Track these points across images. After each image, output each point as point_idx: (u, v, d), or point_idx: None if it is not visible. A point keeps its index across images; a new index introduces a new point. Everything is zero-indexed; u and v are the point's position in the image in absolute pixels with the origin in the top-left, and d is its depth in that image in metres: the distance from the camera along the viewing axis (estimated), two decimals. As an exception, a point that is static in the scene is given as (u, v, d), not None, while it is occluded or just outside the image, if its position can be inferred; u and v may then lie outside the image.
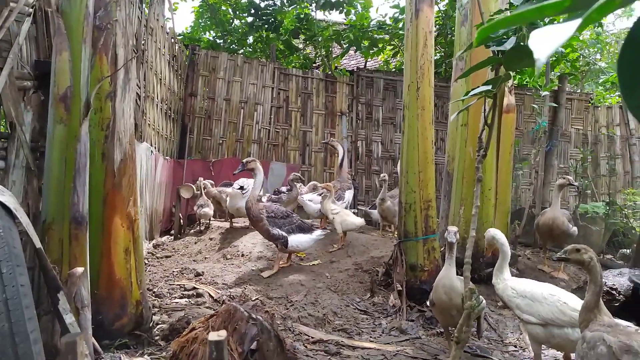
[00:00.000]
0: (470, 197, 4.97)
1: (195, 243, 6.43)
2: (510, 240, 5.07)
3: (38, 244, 1.97)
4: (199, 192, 7.11)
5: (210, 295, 4.31)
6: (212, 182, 7.81)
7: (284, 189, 7.21)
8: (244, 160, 4.92)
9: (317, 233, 5.10)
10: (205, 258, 5.68)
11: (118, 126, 3.05)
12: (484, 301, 3.29)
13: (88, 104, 2.51)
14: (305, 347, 3.37)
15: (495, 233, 3.43)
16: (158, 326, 3.46)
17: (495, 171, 5.02)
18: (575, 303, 2.88)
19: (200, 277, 4.86)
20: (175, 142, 9.35)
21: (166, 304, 4.11)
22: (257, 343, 2.41)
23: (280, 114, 10.23)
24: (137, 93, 6.14)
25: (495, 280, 3.27)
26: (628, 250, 6.91)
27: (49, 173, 2.43)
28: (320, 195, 7.30)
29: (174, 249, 6.36)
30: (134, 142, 3.29)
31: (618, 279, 4.53)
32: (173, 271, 5.14)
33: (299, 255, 5.51)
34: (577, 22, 0.58)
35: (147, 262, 5.73)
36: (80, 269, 2.44)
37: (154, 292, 4.39)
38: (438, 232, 4.60)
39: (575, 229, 5.30)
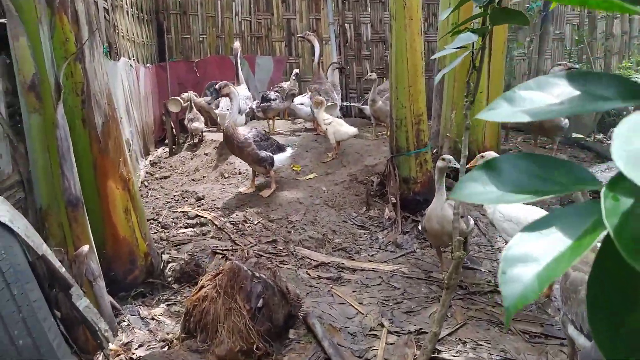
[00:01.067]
0: (461, 100, 4.90)
1: (192, 159, 6.49)
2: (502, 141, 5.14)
3: (40, 251, 2.03)
4: (187, 103, 6.97)
5: (214, 223, 4.49)
6: (195, 94, 7.60)
7: (272, 94, 7.06)
8: (217, 86, 4.75)
9: (290, 151, 5.19)
10: (204, 177, 5.79)
11: (93, 88, 2.91)
12: (473, 223, 3.45)
13: (59, 87, 2.38)
14: (309, 274, 3.63)
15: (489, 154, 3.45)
16: (169, 265, 3.68)
17: (487, 72, 4.88)
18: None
19: (202, 201, 5.01)
20: (153, 45, 8.88)
21: (173, 236, 4.31)
22: (262, 300, 2.61)
23: (260, 2, 9.54)
24: (104, 8, 5.69)
25: (485, 205, 3.40)
26: (618, 129, 6.96)
27: (34, 163, 2.40)
28: (310, 98, 7.17)
29: (171, 166, 6.44)
30: (113, 102, 3.17)
31: (606, 177, 4.68)
32: (174, 195, 5.27)
33: (294, 169, 5.61)
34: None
35: (147, 184, 5.86)
36: (85, 248, 2.54)
37: (159, 223, 4.57)
38: (430, 141, 4.63)
39: (566, 121, 5.31)
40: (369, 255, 3.99)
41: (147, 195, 5.41)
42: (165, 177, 6.04)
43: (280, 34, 9.66)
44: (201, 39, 9.43)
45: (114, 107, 3.16)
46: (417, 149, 4.46)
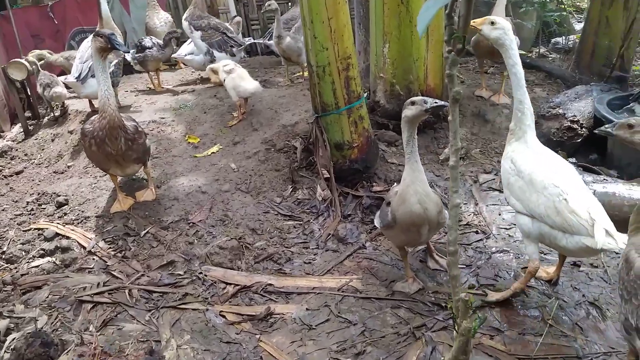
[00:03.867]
0: (395, 30, 3.76)
1: (53, 140, 4.90)
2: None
3: None
4: (34, 66, 5.22)
5: (81, 245, 3.18)
6: (49, 51, 5.78)
7: (148, 41, 5.47)
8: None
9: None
10: (69, 167, 4.31)
11: None
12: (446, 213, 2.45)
13: None
14: (224, 316, 2.52)
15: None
16: (9, 340, 2.39)
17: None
18: (579, 204, 2.11)
19: (65, 207, 3.62)
20: (-18, -12, 6.69)
21: (21, 276, 2.97)
22: None
23: None
24: None
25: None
26: (561, 39, 6.23)
27: None
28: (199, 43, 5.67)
29: (26, 155, 4.83)
30: None
31: (578, 107, 3.86)
32: (27, 202, 3.81)
33: (191, 141, 4.28)
34: None
35: (-9, 187, 4.28)
36: None
37: (3, 255, 3.18)
38: (364, 93, 3.50)
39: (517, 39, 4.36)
40: (305, 262, 2.92)
41: (-10, 207, 3.89)
42: (17, 173, 4.47)
43: (154, -41, 7.72)
44: (49, -27, 7.29)
45: None
46: (348, 103, 3.32)
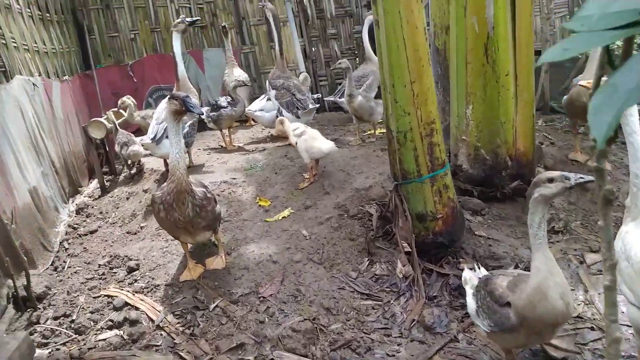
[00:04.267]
0: (479, 90, 3.51)
1: (127, 199, 4.97)
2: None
3: None
4: (112, 124, 5.40)
5: (149, 317, 3.05)
6: (134, 102, 6.01)
7: (223, 100, 5.55)
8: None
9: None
10: (142, 228, 4.30)
11: None
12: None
13: None
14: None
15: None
16: None
17: (513, 46, 3.48)
18: None
19: (136, 273, 3.55)
20: (73, 51, 7.19)
21: (88, 349, 2.86)
22: None
23: (199, -17, 7.90)
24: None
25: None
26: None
27: None
28: (269, 100, 5.70)
29: (101, 213, 4.91)
30: None
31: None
32: (99, 265, 3.80)
33: (262, 204, 4.16)
34: None
35: (67, 246, 4.34)
36: None
37: (72, 324, 3.11)
38: (446, 159, 3.23)
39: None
40: (388, 354, 2.61)
41: (64, 269, 3.91)
42: (92, 232, 4.52)
43: (228, 20, 8.05)
44: (132, 35, 7.76)
45: None
46: (432, 171, 3.06)
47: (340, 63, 4.94)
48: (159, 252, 3.76)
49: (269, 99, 5.84)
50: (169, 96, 2.95)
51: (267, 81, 5.60)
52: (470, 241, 3.36)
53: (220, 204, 3.50)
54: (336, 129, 6.09)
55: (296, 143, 4.22)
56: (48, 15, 6.28)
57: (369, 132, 5.47)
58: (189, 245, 3.51)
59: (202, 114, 3.99)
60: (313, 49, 8.55)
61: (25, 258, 3.19)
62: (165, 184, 3.12)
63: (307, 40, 8.42)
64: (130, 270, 3.59)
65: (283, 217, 3.94)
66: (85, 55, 7.50)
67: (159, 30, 7.82)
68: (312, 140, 4.15)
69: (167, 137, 4.47)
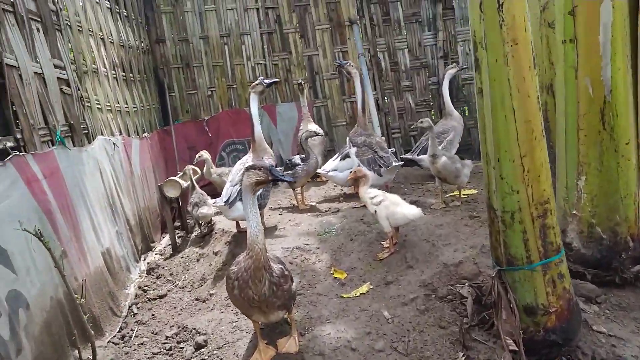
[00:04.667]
0: (594, 160, 3.04)
1: (198, 260, 4.83)
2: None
3: None
4: (189, 183, 5.37)
5: (216, 412, 2.75)
6: (207, 156, 5.99)
7: (298, 158, 5.39)
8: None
9: None
10: (211, 295, 4.09)
11: None
12: None
13: None
14: None
15: None
16: None
17: (634, 110, 3.02)
18: None
19: (203, 350, 3.29)
20: (153, 108, 7.45)
21: None
22: None
23: (275, 40, 8.03)
24: (59, 78, 4.20)
25: None
26: None
27: None
28: (343, 160, 5.47)
29: (171, 274, 4.79)
30: None
31: None
32: (166, 337, 3.59)
33: (337, 276, 3.83)
34: None
35: (135, 311, 4.21)
36: None
37: (135, 409, 2.87)
38: (561, 243, 2.76)
39: None
40: None
41: (131, 338, 3.74)
42: (161, 297, 4.38)
43: (302, 75, 8.08)
44: (210, 92, 7.95)
45: None
46: (544, 257, 2.61)
47: (421, 122, 4.64)
48: (228, 326, 3.50)
49: (342, 159, 5.62)
50: (248, 166, 2.76)
51: (347, 139, 5.39)
52: (587, 338, 2.81)
53: (293, 274, 3.21)
54: (414, 187, 5.72)
55: (375, 211, 3.89)
56: (132, 75, 6.54)
57: (452, 194, 5.04)
58: (261, 323, 3.22)
59: (293, 180, 3.74)
60: (386, 100, 8.36)
61: (92, 332, 3.04)
62: (241, 257, 2.88)
63: (381, 92, 8.26)
64: (198, 347, 3.34)
65: (361, 294, 3.57)
66: (165, 112, 7.74)
67: (235, 86, 7.96)
68: (394, 206, 3.81)
69: (240, 199, 4.32)
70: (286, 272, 2.97)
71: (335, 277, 3.82)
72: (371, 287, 3.62)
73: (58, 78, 4.15)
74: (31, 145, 3.40)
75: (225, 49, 7.89)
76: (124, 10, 6.63)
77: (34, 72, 3.67)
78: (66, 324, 3.28)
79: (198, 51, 7.83)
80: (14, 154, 3.08)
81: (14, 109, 3.30)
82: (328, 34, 8.12)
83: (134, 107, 6.43)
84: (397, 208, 3.81)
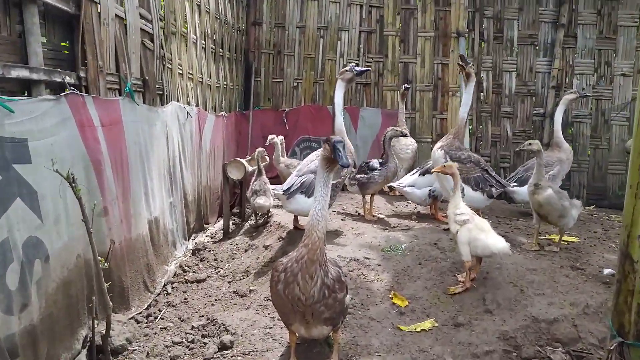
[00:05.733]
0: None
1: (246, 251, 4.42)
2: None
3: None
4: (255, 167, 4.99)
5: None
6: (282, 141, 5.61)
7: (376, 162, 4.84)
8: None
9: None
10: (250, 291, 3.62)
11: None
12: None
13: None
14: None
15: None
16: None
17: None
18: None
19: (226, 352, 2.82)
20: (236, 89, 7.25)
21: None
22: None
23: (373, 41, 7.57)
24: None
25: None
26: None
27: None
28: (422, 175, 4.84)
29: (215, 260, 4.41)
30: None
31: None
32: (192, 327, 3.17)
33: (396, 302, 3.22)
34: None
35: (169, 291, 3.86)
36: None
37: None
38: None
39: None
40: None
41: (156, 319, 3.37)
42: (199, 282, 4.00)
43: (393, 81, 7.54)
44: (295, 84, 7.63)
45: None
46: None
47: (530, 144, 3.92)
48: (261, 331, 3.01)
49: (421, 174, 4.97)
50: (326, 138, 2.28)
51: (439, 152, 4.48)
52: None
53: (348, 293, 2.66)
54: (500, 221, 4.95)
55: (457, 232, 3.25)
56: (221, 51, 6.34)
57: (550, 237, 4.25)
58: (299, 336, 2.69)
59: (348, 166, 3.24)
60: (481, 125, 7.59)
61: (110, 303, 2.66)
62: (294, 251, 2.39)
63: (476, 114, 7.50)
64: (223, 347, 2.88)
65: (422, 330, 2.94)
66: (247, 96, 7.52)
67: (322, 82, 7.58)
68: (479, 232, 3.15)
69: (301, 192, 3.87)
70: (343, 278, 2.44)
71: (394, 303, 3.21)
72: (436, 324, 2.98)
73: (142, 30, 3.93)
74: (94, 88, 3.14)
75: (320, 41, 7.54)
76: (226, -16, 6.48)
77: (116, 15, 3.43)
78: (89, 289, 2.96)
79: (292, 40, 7.54)
80: (71, 91, 2.81)
81: (85, 47, 3.05)
82: (431, 42, 7.52)
83: (217, 83, 6.22)
84: (481, 234, 3.16)
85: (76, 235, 2.86)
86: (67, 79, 2.85)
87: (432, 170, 3.86)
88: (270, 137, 5.51)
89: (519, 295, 3.11)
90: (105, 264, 2.60)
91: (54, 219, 2.66)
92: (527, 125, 7.57)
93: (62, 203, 2.73)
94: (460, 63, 4.48)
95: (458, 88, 7.41)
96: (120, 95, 3.53)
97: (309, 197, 3.78)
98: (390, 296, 3.28)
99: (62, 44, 3.00)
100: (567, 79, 7.46)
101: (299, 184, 3.83)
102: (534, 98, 7.55)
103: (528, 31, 7.49)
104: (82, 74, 3.02)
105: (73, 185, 2.37)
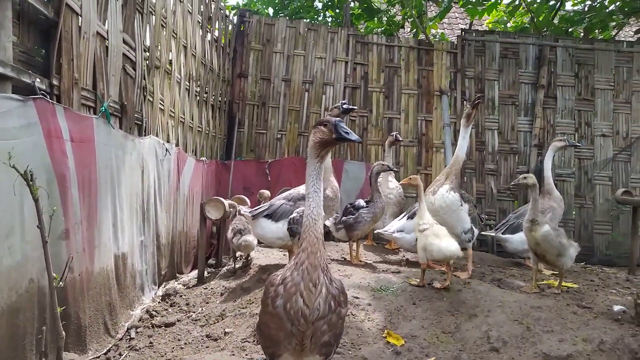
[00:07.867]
0: None
1: (222, 294, 4.02)
2: None
3: None
4: (232, 209, 4.71)
5: None
6: (269, 195, 5.39)
7: (362, 201, 4.63)
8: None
9: None
10: (225, 334, 3.21)
11: None
12: None
13: None
14: None
15: None
16: None
17: None
18: None
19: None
20: (219, 138, 7.11)
21: None
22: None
23: (357, 96, 7.62)
24: (125, 55, 3.85)
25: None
26: None
27: None
28: (410, 218, 4.65)
29: (187, 304, 3.99)
30: None
31: None
32: (156, 371, 2.73)
33: (391, 341, 2.86)
34: None
35: (134, 334, 3.40)
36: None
37: None
38: None
39: None
40: None
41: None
42: (167, 326, 3.56)
43: (378, 136, 7.52)
44: (279, 135, 7.53)
45: None
46: None
47: (525, 178, 3.77)
48: (235, 375, 2.60)
49: (409, 217, 4.78)
50: (317, 122, 2.04)
51: (451, 193, 4.22)
52: None
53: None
54: (493, 269, 4.69)
55: (416, 239, 3.20)
56: (205, 96, 6.26)
57: (548, 282, 3.99)
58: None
59: (360, 141, 3.03)
60: (464, 180, 7.52)
61: (63, 333, 2.26)
62: (288, 262, 2.07)
63: (461, 171, 7.43)
64: (190, 391, 2.46)
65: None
66: (229, 146, 7.36)
67: (306, 134, 7.50)
68: (434, 238, 3.26)
69: (267, 216, 3.70)
70: (346, 290, 2.11)
71: (389, 342, 2.86)
72: (434, 366, 2.63)
73: (124, 55, 3.79)
74: (67, 99, 2.92)
75: (305, 95, 7.56)
76: (215, 35, 6.52)
77: (97, 32, 3.30)
78: (40, 321, 2.55)
79: (277, 92, 7.55)
80: (40, 96, 2.59)
81: (61, 55, 2.87)
82: (414, 99, 7.62)
83: (199, 127, 6.06)
84: (435, 240, 3.33)
85: (31, 256, 2.51)
86: (38, 83, 2.64)
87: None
88: (258, 194, 5.32)
89: (525, 332, 2.80)
90: (60, 283, 2.23)
91: (7, 232, 2.32)
92: (511, 183, 7.52)
93: (18, 214, 2.41)
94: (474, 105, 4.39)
95: (442, 144, 7.42)
96: (95, 114, 3.31)
97: (275, 221, 3.53)
98: (383, 335, 2.93)
99: (37, 49, 2.82)
100: (549, 137, 7.55)
101: (267, 206, 3.63)
102: (516, 156, 7.58)
103: (509, 91, 7.66)
104: (55, 82, 2.81)
105: (31, 183, 2.08)
